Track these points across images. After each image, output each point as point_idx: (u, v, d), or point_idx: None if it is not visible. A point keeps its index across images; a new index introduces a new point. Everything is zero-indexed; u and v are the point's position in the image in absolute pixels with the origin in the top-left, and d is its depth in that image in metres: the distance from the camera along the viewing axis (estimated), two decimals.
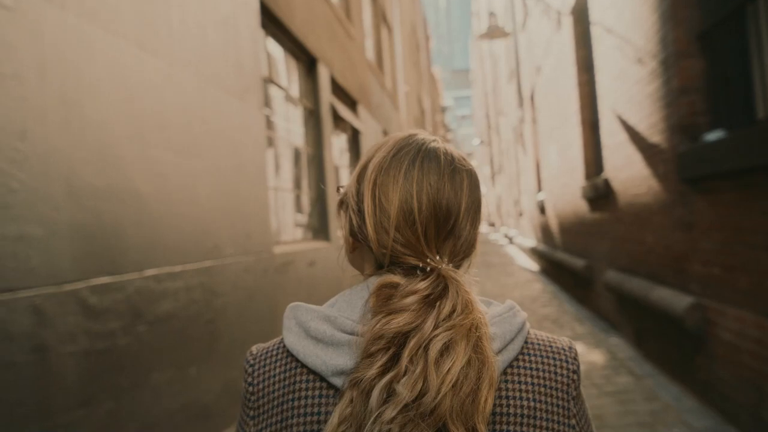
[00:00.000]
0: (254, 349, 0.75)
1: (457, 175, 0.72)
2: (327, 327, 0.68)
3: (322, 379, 0.68)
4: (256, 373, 0.72)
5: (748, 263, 2.96)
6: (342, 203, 0.79)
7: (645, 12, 4.23)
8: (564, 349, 0.74)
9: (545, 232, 11.36)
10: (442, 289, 0.66)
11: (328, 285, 6.21)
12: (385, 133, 12.29)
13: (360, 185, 0.74)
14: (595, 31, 5.81)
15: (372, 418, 0.59)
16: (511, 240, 21.85)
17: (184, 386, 2.89)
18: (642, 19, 4.32)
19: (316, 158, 6.75)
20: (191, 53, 3.31)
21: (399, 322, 0.63)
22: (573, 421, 0.70)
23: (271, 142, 5.34)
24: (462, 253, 0.73)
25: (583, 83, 6.98)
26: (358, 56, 9.55)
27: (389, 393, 0.60)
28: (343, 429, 0.60)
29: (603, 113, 5.76)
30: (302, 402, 0.67)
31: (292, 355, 0.70)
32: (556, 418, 0.69)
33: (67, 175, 2.22)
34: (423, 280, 0.67)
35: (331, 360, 0.66)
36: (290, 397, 0.68)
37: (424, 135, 0.77)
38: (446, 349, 0.61)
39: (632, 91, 4.68)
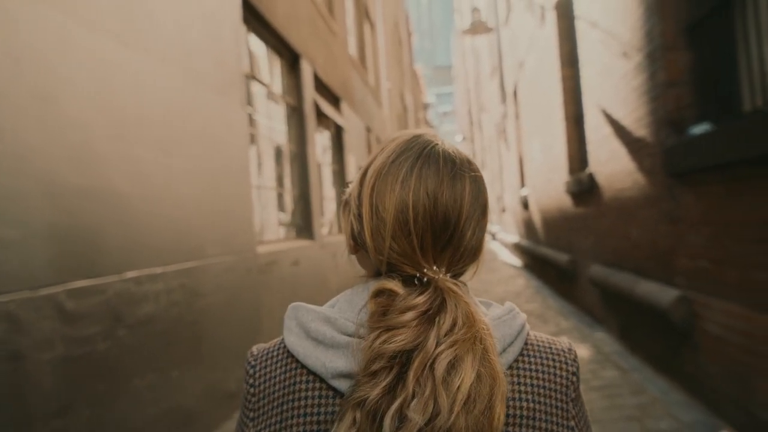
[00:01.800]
0: (255, 349, 0.75)
1: (458, 182, 0.70)
2: (327, 329, 0.68)
3: (322, 380, 0.67)
4: (257, 374, 0.71)
5: (735, 256, 2.96)
6: (346, 204, 0.78)
7: (631, 5, 4.22)
8: (564, 351, 0.74)
9: (528, 227, 11.40)
10: (440, 303, 0.64)
11: (312, 284, 6.14)
12: (369, 129, 12.22)
13: (361, 189, 0.73)
14: (580, 26, 5.81)
15: None
16: (493, 236, 21.95)
17: (166, 391, 2.81)
18: (628, 13, 4.31)
19: (299, 155, 6.67)
20: (173, 49, 3.23)
21: (399, 340, 0.61)
22: (572, 423, 0.70)
23: (253, 139, 5.26)
24: (464, 260, 0.71)
25: (567, 78, 6.99)
26: (340, 52, 9.47)
27: (401, 419, 0.58)
28: None
29: (588, 108, 5.77)
30: (302, 402, 0.67)
31: (293, 356, 0.70)
32: (555, 419, 0.68)
33: (43, 175, 2.14)
34: (420, 294, 0.65)
35: (331, 362, 0.66)
36: (290, 397, 0.67)
37: (428, 137, 0.75)
38: (453, 366, 0.59)
39: (618, 86, 4.68)
